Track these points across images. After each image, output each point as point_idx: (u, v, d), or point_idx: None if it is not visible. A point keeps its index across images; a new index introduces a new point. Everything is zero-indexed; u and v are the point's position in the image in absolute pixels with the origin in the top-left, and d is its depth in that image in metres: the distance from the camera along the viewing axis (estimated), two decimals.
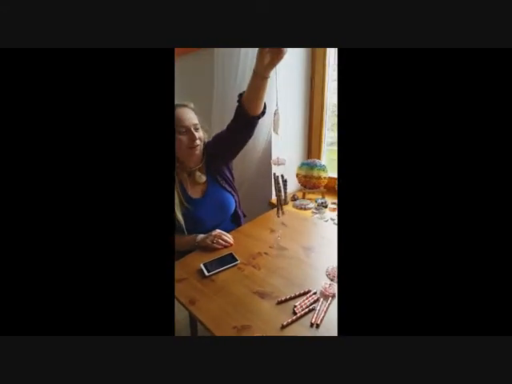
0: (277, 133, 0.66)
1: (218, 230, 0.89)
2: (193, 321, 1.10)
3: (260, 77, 0.72)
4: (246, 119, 0.83)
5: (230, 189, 1.00)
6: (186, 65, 1.61)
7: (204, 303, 0.64)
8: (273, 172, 0.73)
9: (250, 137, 0.91)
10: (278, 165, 0.67)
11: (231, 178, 1.03)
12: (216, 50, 1.27)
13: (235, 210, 1.04)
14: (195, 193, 0.94)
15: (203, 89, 1.43)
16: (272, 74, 0.72)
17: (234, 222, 1.07)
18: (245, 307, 0.62)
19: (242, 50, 1.12)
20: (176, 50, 1.69)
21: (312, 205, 1.26)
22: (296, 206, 1.28)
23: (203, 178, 0.95)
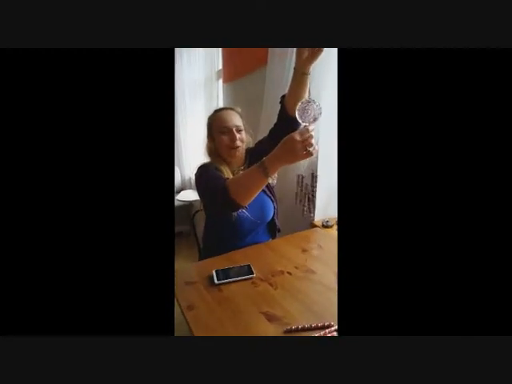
0: (305, 122, 0.57)
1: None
2: None
3: (299, 73, 0.69)
4: (287, 119, 0.81)
5: (269, 194, 0.97)
6: (240, 87, 1.72)
7: (202, 312, 0.56)
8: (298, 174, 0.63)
9: None
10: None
11: (272, 185, 1.00)
12: (268, 72, 1.31)
13: (273, 218, 0.97)
14: None
15: (253, 111, 1.46)
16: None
17: (269, 231, 1.00)
18: (246, 327, 0.51)
19: (293, 62, 1.11)
20: (226, 74, 1.84)
21: None
22: None
23: None
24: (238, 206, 0.69)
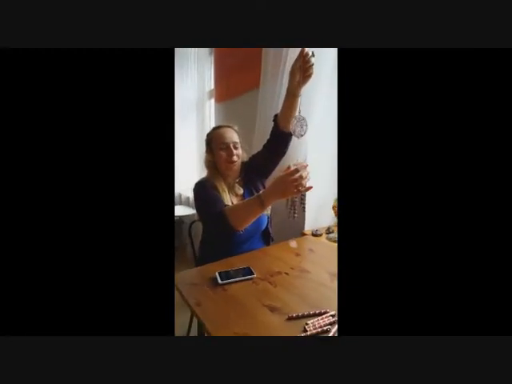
0: (297, 136, 0.68)
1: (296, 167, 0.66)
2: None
3: (291, 95, 0.79)
4: (279, 135, 0.92)
5: None
6: (232, 107, 1.83)
7: (210, 306, 0.61)
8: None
9: (283, 153, 0.99)
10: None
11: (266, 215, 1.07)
12: (260, 95, 1.42)
13: (266, 227, 1.04)
14: (234, 202, 0.98)
15: (245, 129, 1.57)
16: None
17: (263, 239, 1.06)
18: (251, 317, 0.57)
19: (283, 86, 1.23)
20: (218, 95, 1.94)
21: None
22: (329, 239, 1.19)
23: (241, 190, 1.02)
24: (235, 231, 0.79)
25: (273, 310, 0.59)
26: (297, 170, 0.65)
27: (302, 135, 0.68)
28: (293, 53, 1.19)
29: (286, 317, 0.56)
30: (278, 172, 1.10)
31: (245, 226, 0.80)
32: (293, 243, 0.81)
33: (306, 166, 0.66)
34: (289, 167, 0.68)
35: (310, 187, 0.67)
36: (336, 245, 1.11)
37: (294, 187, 0.65)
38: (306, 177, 0.66)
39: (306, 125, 0.68)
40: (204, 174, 1.05)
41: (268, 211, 1.02)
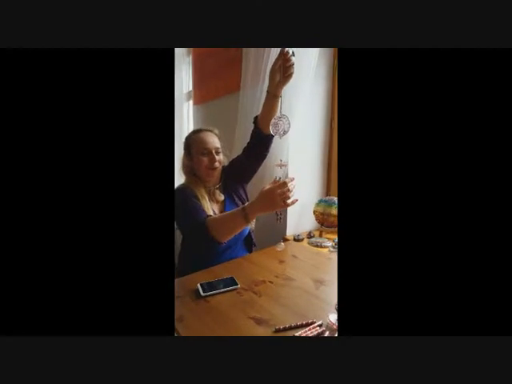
0: (280, 135, 0.67)
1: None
2: None
3: (272, 95, 0.78)
4: (260, 137, 0.90)
5: None
6: (211, 109, 1.79)
7: (192, 321, 0.57)
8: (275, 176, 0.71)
9: (264, 156, 0.96)
10: (281, 167, 0.66)
11: (246, 200, 1.05)
12: (241, 98, 1.41)
13: (249, 233, 1.02)
14: (215, 209, 0.95)
15: (224, 131, 1.55)
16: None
17: (246, 246, 1.04)
18: (236, 331, 0.54)
19: (264, 90, 1.22)
20: (198, 97, 1.90)
21: (329, 243, 1.17)
22: (311, 243, 1.20)
23: (222, 197, 0.98)
24: (217, 243, 0.76)
25: (259, 322, 0.57)
26: (285, 183, 0.65)
27: (283, 134, 0.67)
28: (274, 54, 1.18)
29: (273, 329, 0.54)
30: (259, 180, 1.09)
31: (228, 238, 0.78)
32: (280, 246, 0.81)
33: (292, 179, 0.66)
34: (275, 180, 0.68)
35: (296, 200, 0.67)
36: (318, 249, 1.11)
37: (282, 200, 0.65)
38: (292, 190, 0.65)
39: (289, 123, 0.67)
40: (181, 178, 1.01)
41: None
